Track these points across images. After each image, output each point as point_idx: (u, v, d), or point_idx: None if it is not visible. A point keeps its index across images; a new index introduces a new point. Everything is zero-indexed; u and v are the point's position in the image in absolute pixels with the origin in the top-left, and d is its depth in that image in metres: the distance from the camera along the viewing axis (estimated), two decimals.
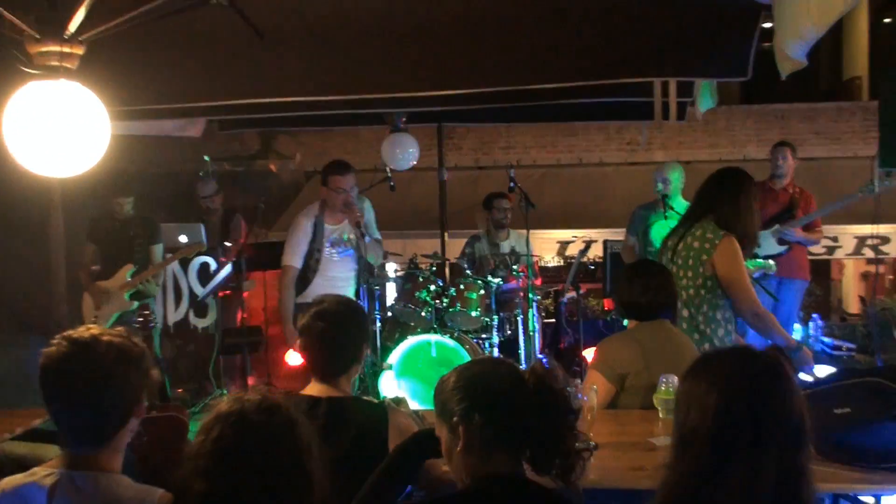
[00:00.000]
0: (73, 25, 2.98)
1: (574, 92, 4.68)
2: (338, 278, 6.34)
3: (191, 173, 9.40)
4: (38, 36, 2.97)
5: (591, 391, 3.54)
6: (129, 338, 2.43)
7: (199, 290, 7.91)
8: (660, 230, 6.98)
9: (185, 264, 8.04)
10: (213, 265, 7.88)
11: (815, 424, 3.26)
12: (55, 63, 3.00)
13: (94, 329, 2.40)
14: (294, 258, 6.24)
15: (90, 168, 3.14)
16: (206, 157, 9.29)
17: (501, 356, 2.54)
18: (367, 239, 6.27)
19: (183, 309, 8.15)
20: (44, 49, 2.99)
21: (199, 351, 8.15)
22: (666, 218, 6.90)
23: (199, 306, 8.04)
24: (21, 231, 8.82)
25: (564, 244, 10.76)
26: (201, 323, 8.13)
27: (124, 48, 4.03)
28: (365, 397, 3.31)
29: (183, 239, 7.80)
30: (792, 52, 3.72)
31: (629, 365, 4.01)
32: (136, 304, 6.95)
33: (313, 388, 3.13)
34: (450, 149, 12.75)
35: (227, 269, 7.33)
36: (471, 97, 4.69)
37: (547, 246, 10.99)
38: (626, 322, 4.36)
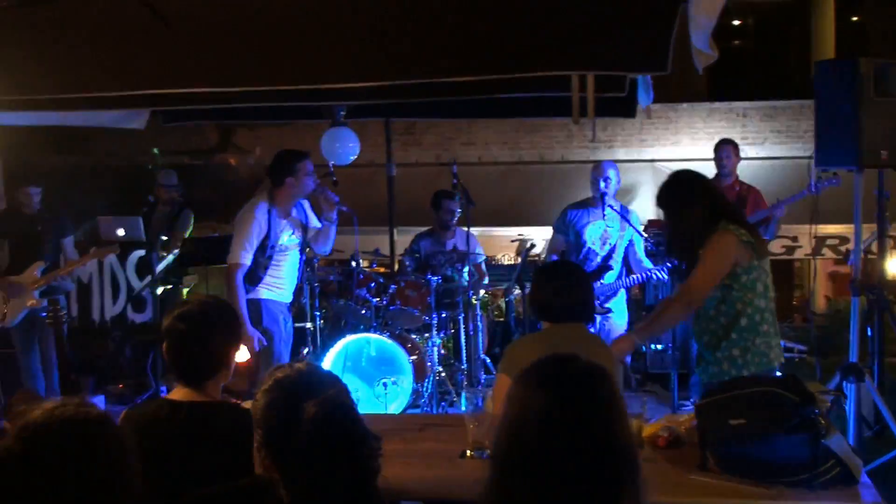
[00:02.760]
0: None
1: (491, 86, 4.53)
2: (288, 270, 6.04)
3: (142, 166, 9.24)
4: None
5: (489, 397, 3.41)
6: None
7: (137, 284, 7.77)
8: (595, 230, 6.87)
9: (122, 258, 7.89)
10: (152, 259, 7.72)
11: (712, 434, 3.19)
12: None
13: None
14: (244, 255, 5.73)
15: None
16: (155, 150, 9.13)
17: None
18: (329, 226, 6.07)
19: (121, 303, 8.00)
20: None
21: (137, 346, 8.01)
22: (605, 217, 6.79)
23: (136, 301, 7.89)
24: None
25: (522, 242, 10.63)
26: (139, 317, 7.99)
27: (19, 34, 3.88)
28: (237, 401, 3.14)
29: (120, 232, 7.68)
30: (698, 43, 3.60)
31: None
32: (45, 301, 6.76)
33: (177, 393, 2.98)
34: (410, 144, 12.66)
35: (167, 261, 7.19)
36: (384, 90, 4.52)
37: (504, 244, 10.86)
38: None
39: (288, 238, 5.95)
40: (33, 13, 3.89)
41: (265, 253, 5.82)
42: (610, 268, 6.84)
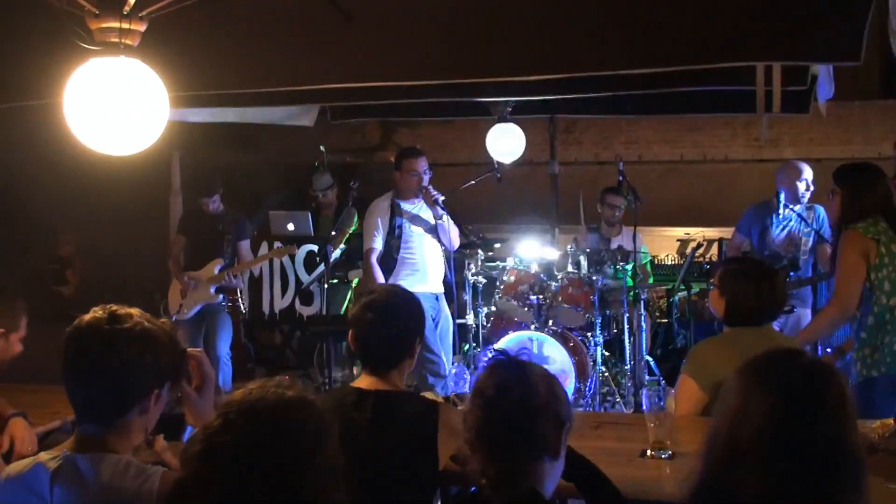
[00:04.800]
0: (133, 0, 2.93)
1: (672, 78, 4.42)
2: (424, 258, 6.46)
3: (310, 163, 9.47)
4: (97, 12, 2.94)
5: (670, 397, 3.32)
6: (156, 322, 2.37)
7: (305, 278, 7.96)
8: (780, 230, 6.61)
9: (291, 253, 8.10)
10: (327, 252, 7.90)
11: None
12: (115, 39, 2.96)
13: (125, 308, 2.34)
14: (373, 240, 6.39)
15: (143, 150, 3.08)
16: (321, 147, 9.33)
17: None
18: (442, 220, 6.33)
19: (289, 297, 8.21)
20: (103, 25, 2.95)
21: (304, 338, 8.20)
22: (790, 216, 6.54)
23: (304, 294, 8.08)
24: (142, 215, 9.07)
25: (684, 243, 10.38)
26: (307, 310, 8.17)
27: (199, 30, 3.99)
28: (422, 393, 3.17)
29: (290, 227, 7.88)
30: None
31: (725, 369, 3.73)
32: (220, 297, 7.02)
33: (363, 381, 3.03)
34: (570, 143, 12.50)
35: (335, 256, 7.34)
36: (565, 85, 4.47)
37: (667, 244, 10.62)
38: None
39: (416, 220, 6.44)
40: (214, 9, 3.99)
41: (393, 234, 6.40)
42: (796, 268, 6.56)
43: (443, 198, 6.38)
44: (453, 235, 6.50)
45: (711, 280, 4.05)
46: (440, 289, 6.61)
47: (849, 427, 1.82)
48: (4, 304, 3.76)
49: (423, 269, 6.44)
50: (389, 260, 6.37)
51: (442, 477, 2.96)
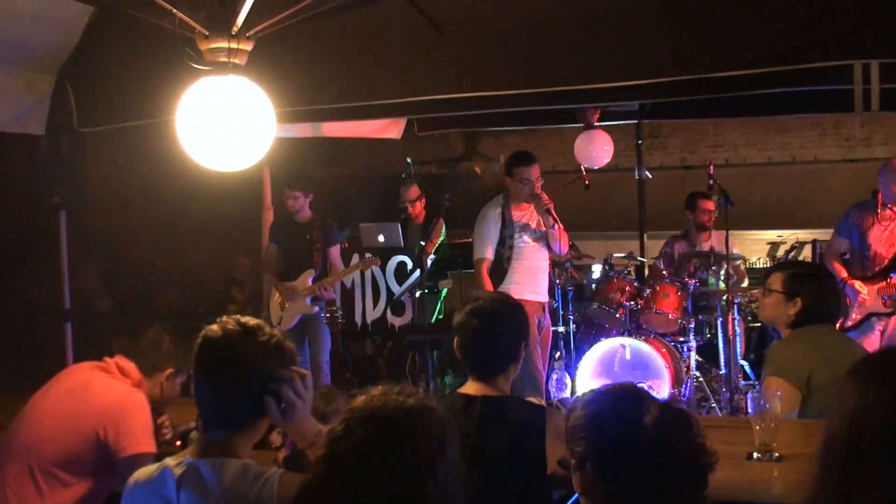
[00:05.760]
0: (240, 21, 3.04)
1: (766, 80, 4.36)
2: (534, 266, 6.31)
3: (396, 175, 9.59)
4: (207, 33, 3.05)
5: (775, 398, 3.29)
6: (284, 338, 2.49)
7: (396, 289, 8.05)
8: (880, 231, 6.46)
9: (382, 264, 8.20)
10: (409, 265, 7.99)
11: None
12: (224, 59, 3.07)
13: (253, 319, 2.44)
14: (485, 250, 6.23)
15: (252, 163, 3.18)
16: (408, 160, 9.44)
17: (637, 384, 2.11)
18: (553, 228, 6.17)
19: (381, 307, 8.30)
20: (213, 45, 3.07)
21: (395, 348, 8.28)
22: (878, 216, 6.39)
23: (395, 304, 8.16)
24: (235, 229, 9.28)
25: (774, 245, 10.23)
26: (398, 321, 8.25)
27: (300, 46, 4.09)
28: (528, 398, 3.20)
29: (381, 238, 7.97)
30: None
31: (810, 363, 3.71)
32: (315, 308, 7.10)
33: (470, 387, 3.07)
34: (655, 148, 12.43)
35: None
36: (655, 89, 4.44)
37: (756, 247, 10.49)
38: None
39: (526, 230, 6.25)
40: (309, 26, 4.09)
41: (505, 244, 6.21)
42: None
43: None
44: (563, 242, 6.32)
45: (768, 284, 4.03)
46: (546, 297, 6.50)
47: None
48: (180, 346, 3.64)
49: (535, 282, 6.30)
50: (499, 269, 6.23)
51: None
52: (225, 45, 3.05)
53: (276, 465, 2.64)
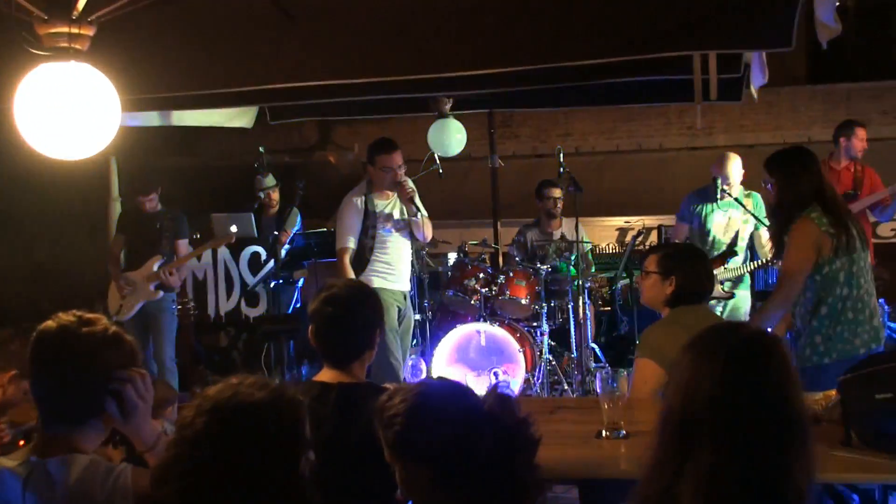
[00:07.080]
0: (81, 5, 2.94)
1: (609, 70, 4.49)
2: (396, 255, 6.27)
3: (248, 165, 9.44)
4: (45, 17, 2.94)
5: (623, 377, 3.40)
6: (124, 330, 2.43)
7: (250, 280, 7.95)
8: (719, 217, 6.77)
9: (235, 254, 8.08)
10: (263, 255, 7.91)
11: (856, 410, 3.14)
12: (64, 44, 2.96)
13: (91, 313, 2.38)
14: (347, 239, 6.14)
15: (94, 153, 3.08)
16: (260, 149, 9.30)
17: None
18: (417, 216, 6.16)
19: (234, 299, 8.19)
20: (52, 30, 2.96)
21: (250, 340, 8.19)
22: (727, 204, 6.70)
23: (249, 295, 8.07)
24: (80, 221, 8.98)
25: (623, 231, 10.56)
26: (253, 312, 8.16)
27: (148, 32, 3.98)
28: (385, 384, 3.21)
29: (233, 228, 7.85)
30: (823, 16, 3.54)
31: (677, 344, 3.85)
32: (161, 293, 6.97)
33: (325, 375, 3.07)
34: (507, 137, 12.63)
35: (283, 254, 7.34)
36: (505, 78, 4.52)
37: (605, 233, 10.81)
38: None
39: (389, 220, 6.20)
40: (157, 12, 3.98)
41: (367, 234, 6.13)
42: (734, 253, 6.71)
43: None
44: (426, 229, 6.30)
45: (645, 267, 4.18)
46: (408, 286, 6.49)
47: (793, 392, 1.93)
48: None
49: (396, 267, 6.27)
50: (361, 258, 6.14)
51: None
52: (65, 30, 2.93)
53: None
